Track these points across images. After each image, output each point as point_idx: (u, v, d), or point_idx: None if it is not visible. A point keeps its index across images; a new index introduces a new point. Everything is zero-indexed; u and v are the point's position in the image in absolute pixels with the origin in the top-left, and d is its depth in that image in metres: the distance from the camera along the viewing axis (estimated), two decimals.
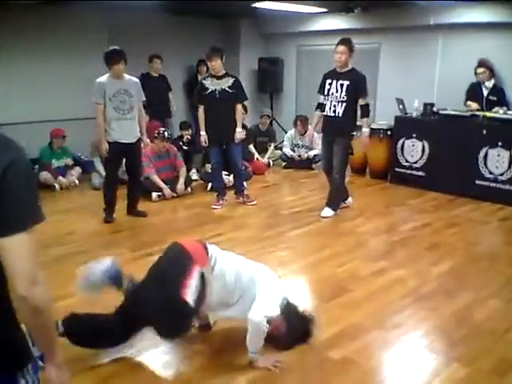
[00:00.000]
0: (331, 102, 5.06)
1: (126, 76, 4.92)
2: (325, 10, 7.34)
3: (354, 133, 5.21)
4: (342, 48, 4.94)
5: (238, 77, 5.61)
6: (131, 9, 6.84)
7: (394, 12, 6.89)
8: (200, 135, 5.54)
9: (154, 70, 7.40)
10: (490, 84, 6.16)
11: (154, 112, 7.34)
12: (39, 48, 6.72)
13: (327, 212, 5.28)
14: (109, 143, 4.87)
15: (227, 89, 5.36)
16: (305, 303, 3.46)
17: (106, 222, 5.02)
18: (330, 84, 5.07)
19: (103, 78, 4.82)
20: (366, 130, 5.05)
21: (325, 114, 5.16)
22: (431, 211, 5.51)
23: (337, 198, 5.34)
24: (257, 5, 6.67)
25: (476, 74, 6.17)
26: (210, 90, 5.37)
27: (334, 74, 5.11)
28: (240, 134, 5.54)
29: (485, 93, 6.19)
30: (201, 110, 5.48)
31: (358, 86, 4.96)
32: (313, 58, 8.60)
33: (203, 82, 5.46)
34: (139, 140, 5.05)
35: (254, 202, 5.72)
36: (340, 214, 5.34)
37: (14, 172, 1.15)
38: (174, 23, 7.97)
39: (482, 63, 6.14)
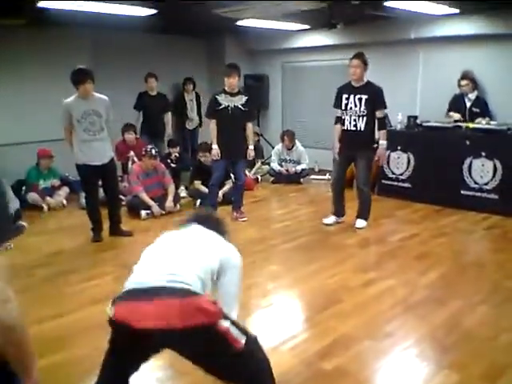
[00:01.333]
0: (351, 116, 5.05)
1: (95, 95, 4.76)
2: (308, 26, 7.46)
3: (375, 145, 5.21)
4: (356, 62, 4.94)
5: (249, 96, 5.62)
6: (116, 28, 6.90)
7: (376, 27, 7.01)
8: (212, 149, 5.54)
9: (150, 88, 7.24)
10: (473, 96, 6.26)
11: (146, 131, 7.28)
12: (25, 69, 6.73)
13: (361, 223, 5.31)
14: (79, 165, 4.82)
15: (240, 106, 5.43)
16: (297, 315, 3.49)
17: (94, 241, 5.00)
18: (347, 99, 5.05)
19: (70, 99, 4.70)
20: (383, 142, 5.06)
21: (344, 128, 5.15)
22: (419, 222, 5.57)
23: (367, 209, 5.36)
24: (240, 23, 6.77)
25: (459, 85, 6.28)
26: (222, 106, 5.40)
27: (350, 89, 5.07)
28: (252, 151, 5.66)
29: (468, 104, 6.29)
30: (213, 124, 5.50)
31: (376, 99, 4.97)
32: (298, 73, 8.73)
33: (216, 97, 5.46)
34: (113, 159, 4.98)
35: (245, 219, 5.73)
36: (329, 228, 5.38)
37: None
38: (158, 42, 8.03)
39: (465, 75, 6.25)
